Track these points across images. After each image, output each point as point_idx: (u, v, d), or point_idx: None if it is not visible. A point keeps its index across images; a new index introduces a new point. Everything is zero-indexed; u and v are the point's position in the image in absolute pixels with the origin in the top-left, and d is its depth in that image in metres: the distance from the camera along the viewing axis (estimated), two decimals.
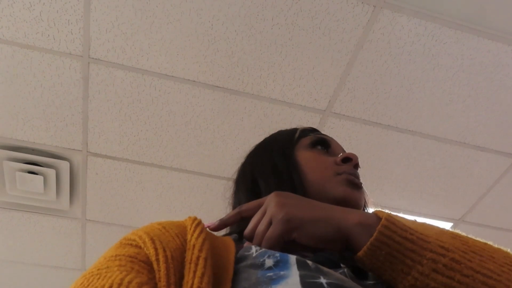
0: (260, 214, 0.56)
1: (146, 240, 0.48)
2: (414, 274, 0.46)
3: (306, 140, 0.73)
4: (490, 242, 0.51)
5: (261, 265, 0.48)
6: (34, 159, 1.86)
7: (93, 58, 1.55)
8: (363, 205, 0.70)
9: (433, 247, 0.46)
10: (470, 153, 1.89)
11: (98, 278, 0.42)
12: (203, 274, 0.44)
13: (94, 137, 1.79)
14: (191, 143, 1.84)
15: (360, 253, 0.49)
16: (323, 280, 0.44)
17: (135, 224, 2.18)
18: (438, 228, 0.51)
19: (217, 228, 0.61)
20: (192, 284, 0.43)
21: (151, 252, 0.47)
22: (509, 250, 0.51)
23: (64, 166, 1.89)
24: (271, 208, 0.55)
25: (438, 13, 1.44)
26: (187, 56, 1.55)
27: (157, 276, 0.44)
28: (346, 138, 1.83)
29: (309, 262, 0.48)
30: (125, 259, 0.46)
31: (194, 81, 1.62)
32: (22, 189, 1.96)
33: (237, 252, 0.54)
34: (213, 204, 2.07)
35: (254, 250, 0.53)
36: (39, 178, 1.90)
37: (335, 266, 0.51)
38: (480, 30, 1.48)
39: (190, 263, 0.46)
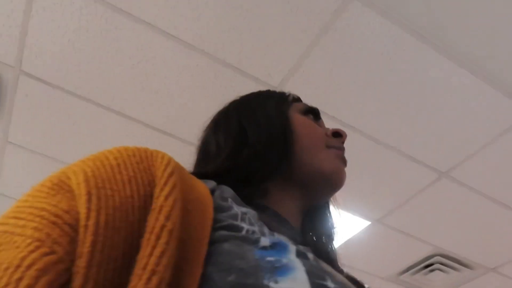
0: None
1: (82, 190, 0.37)
2: None
3: (300, 105, 0.71)
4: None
5: (255, 241, 0.42)
6: None
7: None
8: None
9: None
10: (402, 161, 1.97)
11: None
12: (162, 253, 0.36)
13: (31, 55, 1.66)
14: (135, 87, 1.75)
15: None
16: (330, 285, 0.40)
17: (61, 157, 2.08)
18: None
19: None
20: (147, 264, 0.35)
21: (82, 212, 0.36)
22: None
23: None
24: None
25: (403, 18, 1.45)
26: None
27: (79, 249, 0.34)
28: None
29: (309, 254, 0.44)
30: (47, 220, 0.35)
31: (149, 23, 1.53)
32: None
33: (214, 210, 0.45)
34: None
35: (238, 211, 0.45)
36: None
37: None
38: (438, 45, 1.51)
39: (151, 233, 0.37)
